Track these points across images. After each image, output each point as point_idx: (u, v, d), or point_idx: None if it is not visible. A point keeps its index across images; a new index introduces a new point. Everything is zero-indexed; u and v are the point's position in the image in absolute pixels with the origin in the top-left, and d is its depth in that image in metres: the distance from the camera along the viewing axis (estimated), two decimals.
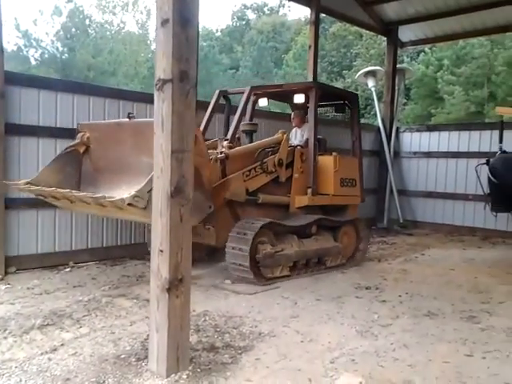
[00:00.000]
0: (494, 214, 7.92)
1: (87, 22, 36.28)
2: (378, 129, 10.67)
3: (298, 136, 6.98)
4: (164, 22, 2.76)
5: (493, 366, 3.27)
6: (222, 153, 5.33)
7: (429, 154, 10.37)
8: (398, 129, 10.85)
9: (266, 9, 49.73)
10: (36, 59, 34.06)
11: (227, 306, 4.50)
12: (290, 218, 5.96)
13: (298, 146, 6.37)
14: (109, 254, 6.32)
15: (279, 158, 5.90)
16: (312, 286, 5.34)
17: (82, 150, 5.18)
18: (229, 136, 5.68)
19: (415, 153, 10.59)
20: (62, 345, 3.45)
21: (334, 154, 6.51)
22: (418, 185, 10.53)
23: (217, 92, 6.56)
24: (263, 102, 6.97)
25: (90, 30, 36.13)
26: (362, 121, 11.77)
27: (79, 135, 5.19)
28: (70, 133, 5.62)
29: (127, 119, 4.92)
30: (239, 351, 3.42)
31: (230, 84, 36.58)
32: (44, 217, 5.80)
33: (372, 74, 10.74)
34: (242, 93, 6.25)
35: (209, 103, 6.53)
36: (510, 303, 4.86)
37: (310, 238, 5.91)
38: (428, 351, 3.52)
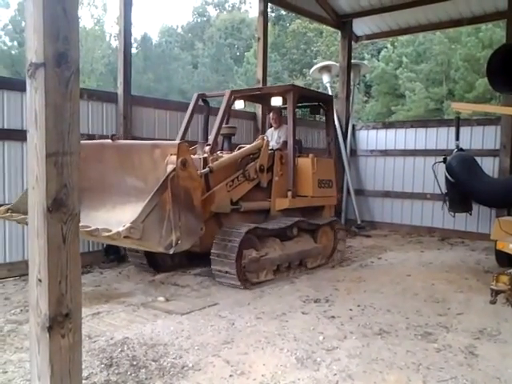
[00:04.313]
0: (452, 214, 7.62)
1: None
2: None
3: (274, 137, 6.87)
4: None
5: None
6: (206, 166, 5.17)
7: (386, 152, 10.02)
8: (354, 126, 10.46)
9: (227, 5, 48.97)
10: None
11: (153, 330, 3.91)
12: (271, 222, 5.87)
13: (277, 149, 6.28)
14: None
15: (260, 164, 5.82)
16: (255, 301, 4.81)
17: None
18: (210, 141, 5.66)
19: (372, 151, 10.22)
20: None
21: (310, 155, 6.46)
22: (376, 184, 10.17)
23: (195, 95, 6.65)
24: (239, 105, 6.89)
25: None
26: (317, 118, 11.36)
27: None
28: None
29: (110, 140, 4.82)
30: None
31: (189, 81, 35.82)
32: None
33: (327, 69, 10.29)
34: (220, 96, 6.32)
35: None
36: (467, 315, 4.46)
37: (292, 241, 5.89)
38: (375, 383, 3.04)
